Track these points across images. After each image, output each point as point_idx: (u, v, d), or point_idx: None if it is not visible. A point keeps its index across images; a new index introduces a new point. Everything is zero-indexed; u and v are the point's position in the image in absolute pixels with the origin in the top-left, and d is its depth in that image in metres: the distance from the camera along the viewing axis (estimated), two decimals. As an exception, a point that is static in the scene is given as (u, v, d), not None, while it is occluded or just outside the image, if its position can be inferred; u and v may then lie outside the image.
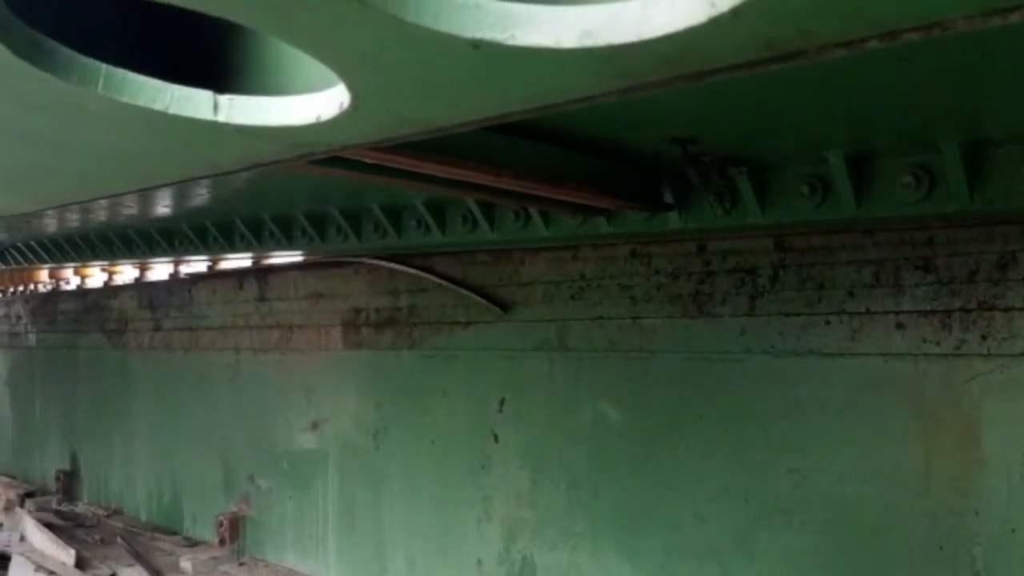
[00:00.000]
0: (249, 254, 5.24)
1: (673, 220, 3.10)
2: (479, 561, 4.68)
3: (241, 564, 6.07)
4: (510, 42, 1.17)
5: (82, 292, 8.72)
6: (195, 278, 7.02)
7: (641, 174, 3.01)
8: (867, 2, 0.98)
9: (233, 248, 4.78)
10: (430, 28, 1.17)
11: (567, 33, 1.16)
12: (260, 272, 6.24)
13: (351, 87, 1.55)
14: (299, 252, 5.22)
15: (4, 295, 10.33)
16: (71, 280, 9.05)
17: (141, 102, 1.73)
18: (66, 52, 1.63)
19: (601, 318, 4.15)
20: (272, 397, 6.13)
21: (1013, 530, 2.98)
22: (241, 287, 6.40)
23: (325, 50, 1.46)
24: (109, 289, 8.22)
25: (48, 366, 9.12)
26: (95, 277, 8.59)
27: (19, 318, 9.77)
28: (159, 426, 7.34)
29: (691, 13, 1.04)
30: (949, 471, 3.13)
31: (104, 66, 1.69)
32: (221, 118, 1.76)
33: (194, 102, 1.76)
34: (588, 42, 1.15)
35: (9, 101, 1.83)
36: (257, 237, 4.58)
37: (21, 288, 10.03)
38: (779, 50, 1.16)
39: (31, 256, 6.58)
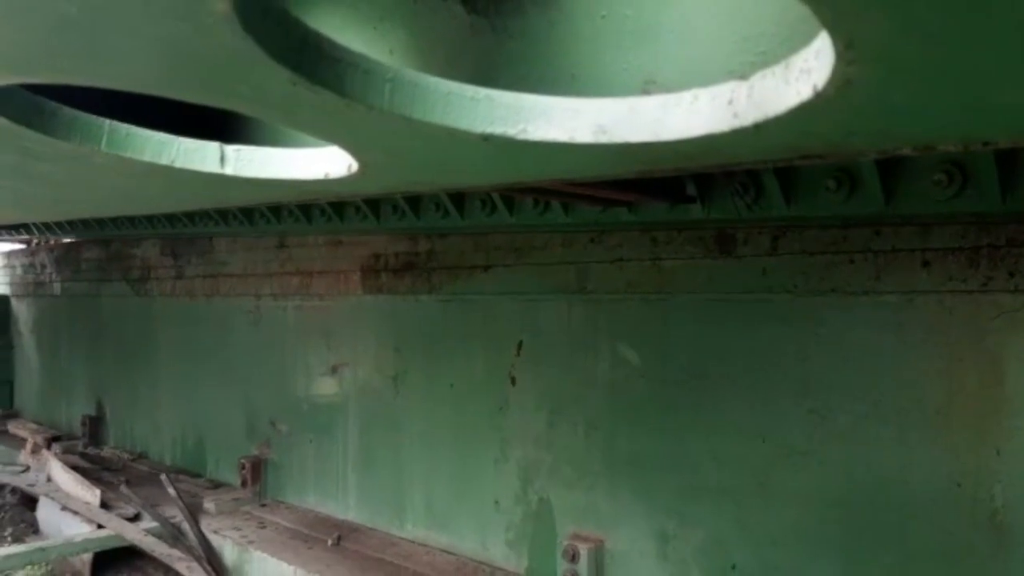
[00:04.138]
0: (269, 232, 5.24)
1: (695, 211, 3.04)
2: (496, 501, 4.73)
3: (263, 505, 6.19)
4: (521, 136, 1.13)
5: (105, 241, 8.79)
6: (216, 226, 7.04)
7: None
8: (900, 123, 0.91)
9: (253, 226, 4.80)
10: (439, 124, 1.14)
11: (581, 129, 1.11)
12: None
13: (360, 160, 1.52)
14: (316, 232, 5.18)
15: (29, 245, 10.44)
16: (94, 230, 9.12)
17: (147, 157, 1.69)
18: (68, 112, 1.60)
19: (621, 260, 4.12)
20: (292, 342, 6.19)
21: (1034, 469, 2.96)
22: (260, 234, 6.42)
23: (333, 138, 1.42)
24: (131, 238, 8.27)
25: (73, 314, 9.26)
26: (117, 226, 8.65)
27: (44, 267, 9.89)
28: (182, 372, 7.44)
29: (711, 121, 0.98)
30: (971, 410, 3.10)
31: (107, 123, 1.66)
32: (228, 171, 1.72)
33: (200, 155, 1.72)
34: (603, 139, 1.10)
35: (16, 153, 1.80)
36: (277, 217, 4.61)
37: (45, 238, 10.12)
38: (805, 153, 1.11)
39: (55, 228, 6.64)
